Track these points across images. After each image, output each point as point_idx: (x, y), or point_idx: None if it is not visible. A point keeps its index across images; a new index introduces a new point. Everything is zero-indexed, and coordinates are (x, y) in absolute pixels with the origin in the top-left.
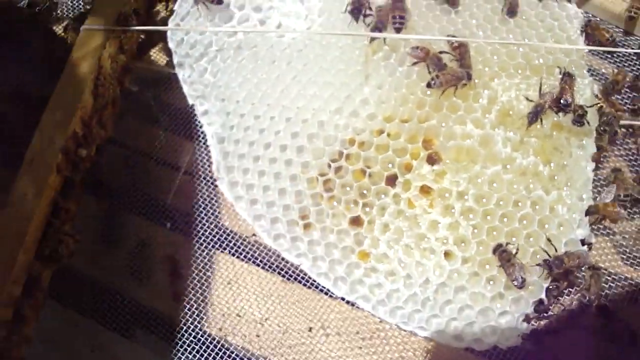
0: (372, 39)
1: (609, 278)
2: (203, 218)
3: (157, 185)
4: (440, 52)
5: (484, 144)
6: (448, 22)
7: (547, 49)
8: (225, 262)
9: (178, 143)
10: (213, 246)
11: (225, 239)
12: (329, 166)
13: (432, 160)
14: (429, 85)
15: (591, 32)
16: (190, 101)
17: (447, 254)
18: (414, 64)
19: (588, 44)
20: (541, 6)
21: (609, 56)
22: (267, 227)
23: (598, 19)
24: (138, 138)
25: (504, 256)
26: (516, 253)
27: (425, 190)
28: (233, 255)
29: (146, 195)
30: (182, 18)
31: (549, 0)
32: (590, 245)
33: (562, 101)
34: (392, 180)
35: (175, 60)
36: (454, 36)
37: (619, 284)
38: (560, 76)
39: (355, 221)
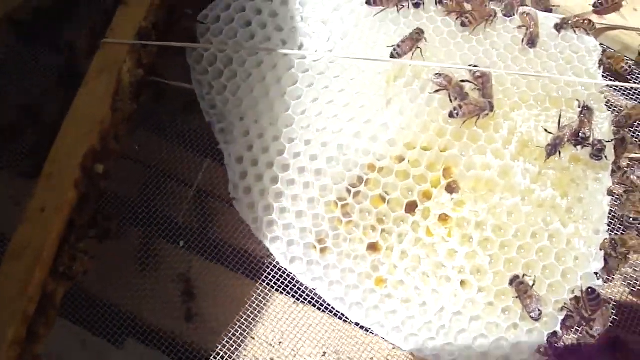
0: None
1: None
2: (217, 238)
3: (169, 202)
4: (462, 81)
5: (504, 174)
6: (470, 49)
7: (566, 81)
8: (240, 284)
9: (191, 160)
10: (227, 266)
11: (240, 259)
12: (348, 191)
13: (450, 189)
14: (451, 115)
15: (607, 60)
16: (207, 118)
17: (463, 283)
18: (436, 91)
19: (604, 76)
20: (561, 38)
21: (624, 90)
22: (284, 250)
23: (613, 50)
24: (150, 153)
25: (521, 288)
26: (533, 285)
27: (443, 218)
28: (247, 276)
29: (157, 212)
30: (202, 35)
31: (569, 33)
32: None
33: (580, 135)
34: (411, 207)
35: (194, 76)
36: (476, 66)
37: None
38: (580, 109)
39: (373, 247)
